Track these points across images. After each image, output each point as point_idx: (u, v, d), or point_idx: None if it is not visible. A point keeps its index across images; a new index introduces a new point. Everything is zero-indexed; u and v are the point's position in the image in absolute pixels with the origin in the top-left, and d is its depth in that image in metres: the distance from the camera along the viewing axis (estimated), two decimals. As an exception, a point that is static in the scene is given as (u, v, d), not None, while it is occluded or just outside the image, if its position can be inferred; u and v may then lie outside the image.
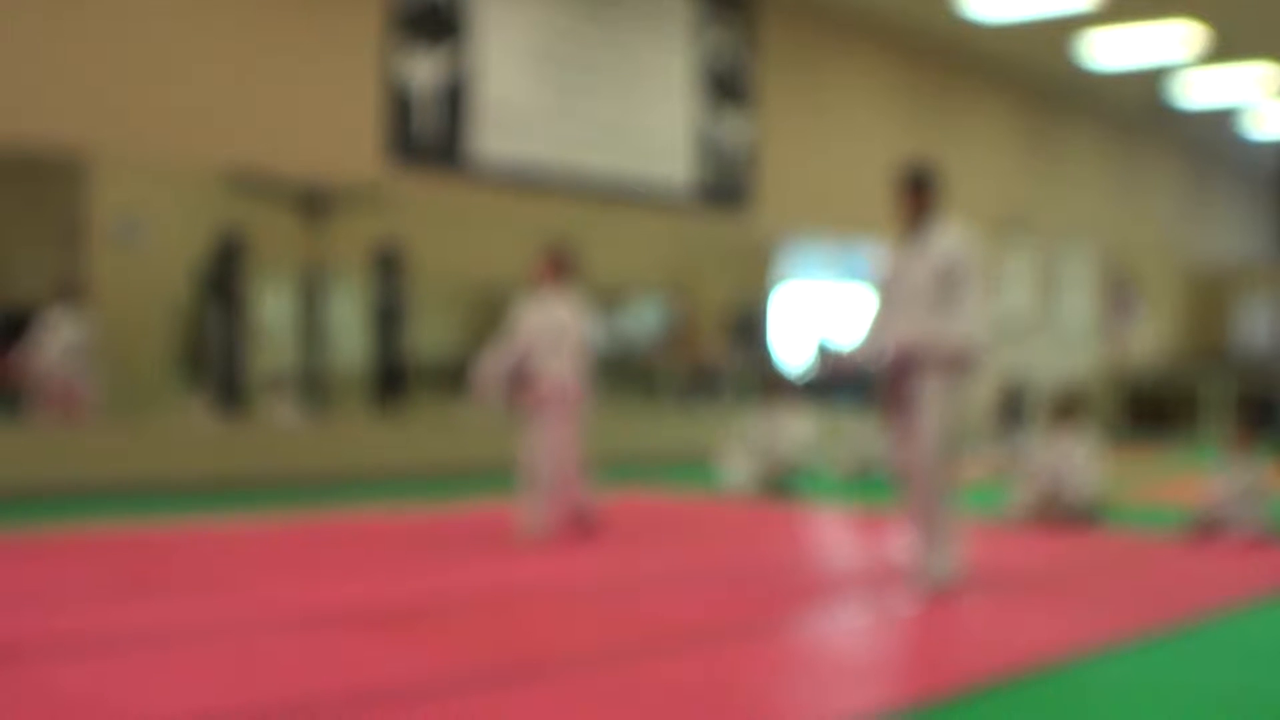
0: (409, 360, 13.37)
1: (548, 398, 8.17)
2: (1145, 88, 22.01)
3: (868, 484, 11.75)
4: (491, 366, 8.22)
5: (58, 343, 10.83)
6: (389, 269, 13.09)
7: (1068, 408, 9.54)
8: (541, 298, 8.25)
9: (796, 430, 11.40)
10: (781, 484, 11.06)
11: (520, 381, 8.21)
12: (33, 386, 10.86)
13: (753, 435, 11.35)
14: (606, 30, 15.00)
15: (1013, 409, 15.35)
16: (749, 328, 17.04)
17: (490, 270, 13.32)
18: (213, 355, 11.91)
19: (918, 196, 6.49)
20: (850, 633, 5.61)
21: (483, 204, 13.58)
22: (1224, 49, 18.91)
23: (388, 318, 13.14)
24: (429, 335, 13.64)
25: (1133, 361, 24.47)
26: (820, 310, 17.74)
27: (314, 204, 12.43)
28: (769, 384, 12.39)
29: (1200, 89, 21.44)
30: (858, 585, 6.64)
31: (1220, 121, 24.85)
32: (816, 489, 11.41)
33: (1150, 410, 23.24)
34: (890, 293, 6.52)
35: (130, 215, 11.25)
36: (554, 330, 8.15)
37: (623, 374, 15.74)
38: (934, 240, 6.42)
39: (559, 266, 8.29)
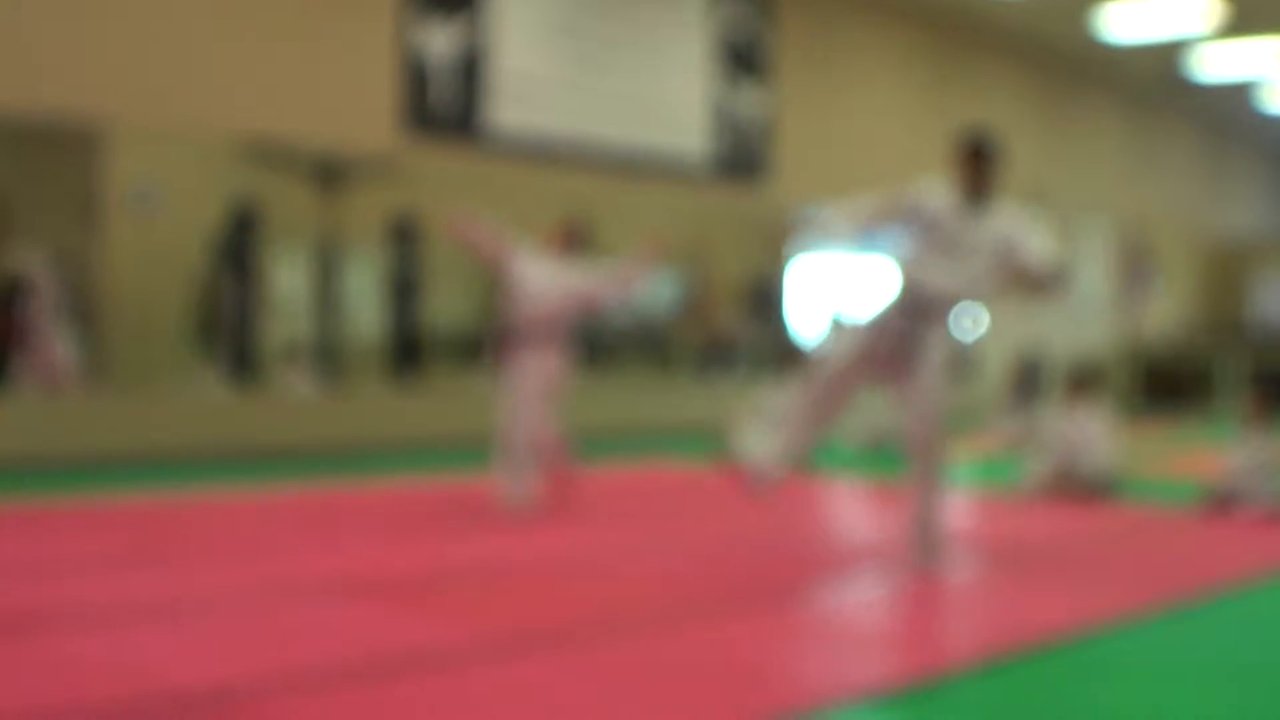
0: (424, 331, 13.38)
1: (533, 363, 8.01)
2: (1162, 61, 21.91)
3: (882, 455, 11.75)
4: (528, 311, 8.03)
5: (40, 307, 10.74)
6: (404, 240, 13.10)
7: (1083, 381, 9.53)
8: (548, 260, 8.08)
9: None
10: (796, 456, 11.04)
11: (510, 341, 8.06)
12: (19, 352, 10.79)
13: (768, 407, 11.34)
14: (623, 2, 14.96)
15: (1028, 382, 15.32)
16: (765, 300, 17.03)
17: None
18: (228, 326, 11.94)
19: (980, 167, 6.09)
20: (864, 604, 5.61)
21: (498, 176, 13.57)
22: (1242, 22, 18.80)
23: (403, 288, 13.16)
24: (444, 306, 13.65)
25: (1148, 335, 24.42)
26: (836, 282, 17.71)
27: (329, 174, 12.44)
28: (785, 356, 12.38)
29: (1218, 62, 21.34)
30: (872, 557, 6.65)
31: (1238, 95, 24.73)
32: (831, 461, 11.41)
33: (1166, 384, 23.19)
34: (937, 245, 6.11)
35: (145, 185, 11.26)
36: (556, 292, 7.98)
37: (639, 346, 15.75)
38: (994, 216, 6.11)
39: (572, 239, 8.16)
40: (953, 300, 6.17)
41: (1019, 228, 6.11)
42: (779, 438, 6.38)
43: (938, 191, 6.20)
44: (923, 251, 6.16)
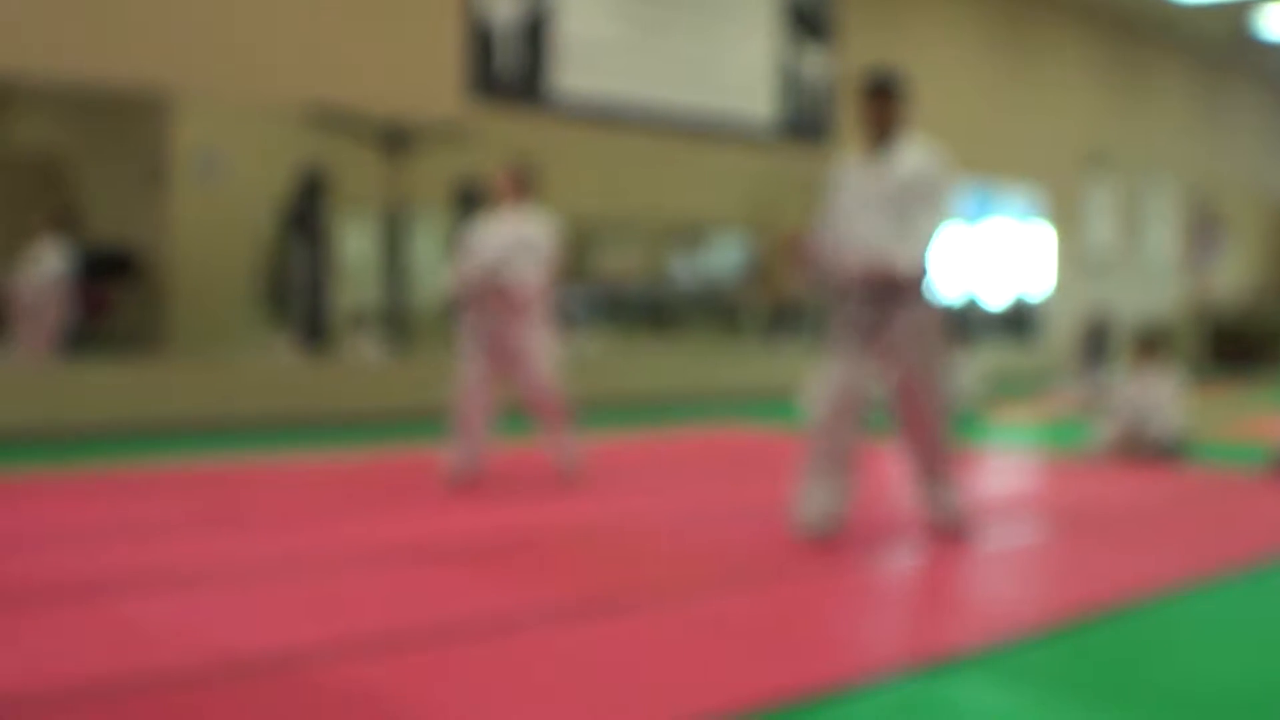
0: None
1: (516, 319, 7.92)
2: (1230, 21, 21.63)
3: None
4: (462, 274, 7.93)
5: (42, 275, 10.79)
6: (470, 205, 13.15)
7: (1151, 344, 9.48)
8: (502, 216, 8.00)
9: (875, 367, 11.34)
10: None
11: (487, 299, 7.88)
12: (16, 320, 10.76)
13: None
14: (685, -35, 14.93)
15: (1096, 345, 15.24)
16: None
17: (570, 207, 13.34)
18: (296, 292, 12.04)
19: (882, 107, 5.93)
20: (923, 568, 5.62)
21: (564, 140, 13.59)
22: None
23: (469, 254, 13.21)
24: (510, 271, 13.67)
25: (1216, 298, 24.19)
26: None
27: (395, 140, 12.50)
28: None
29: (1289, 21, 21.08)
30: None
31: (1309, 54, 24.43)
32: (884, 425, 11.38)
33: (1234, 347, 22.98)
34: (845, 214, 6.01)
35: (211, 153, 11.35)
36: (519, 247, 7.86)
37: (706, 310, 15.76)
38: (899, 157, 5.95)
39: (520, 184, 8.05)
40: (898, 265, 5.87)
41: (931, 172, 5.94)
42: (813, 497, 6.06)
43: (843, 161, 6.16)
44: (843, 224, 6.03)
